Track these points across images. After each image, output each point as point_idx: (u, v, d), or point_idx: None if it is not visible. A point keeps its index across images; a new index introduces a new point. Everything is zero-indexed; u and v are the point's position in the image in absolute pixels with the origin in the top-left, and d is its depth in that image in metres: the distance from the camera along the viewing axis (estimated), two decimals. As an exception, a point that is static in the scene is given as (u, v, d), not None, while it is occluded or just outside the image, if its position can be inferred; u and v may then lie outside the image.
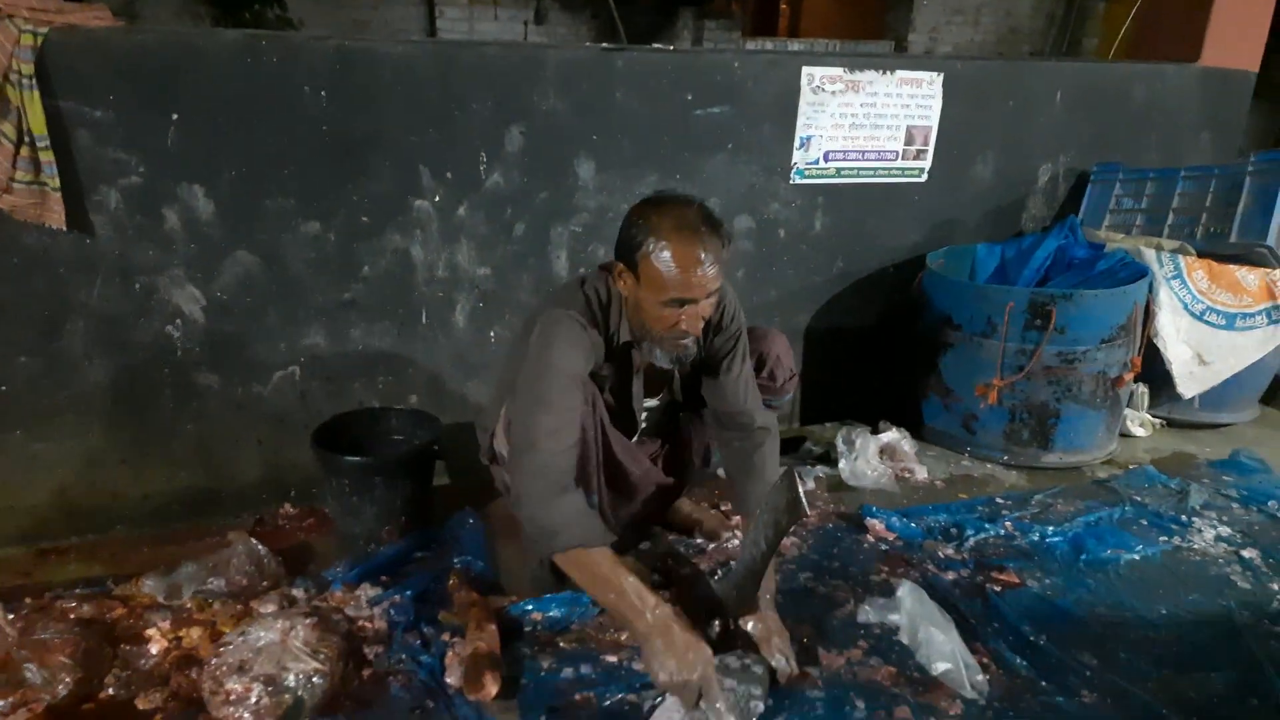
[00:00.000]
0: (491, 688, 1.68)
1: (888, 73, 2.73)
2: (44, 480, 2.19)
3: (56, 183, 1.98)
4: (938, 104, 2.83)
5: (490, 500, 2.36)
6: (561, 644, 1.85)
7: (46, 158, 1.96)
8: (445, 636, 1.83)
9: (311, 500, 2.39)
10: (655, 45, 2.53)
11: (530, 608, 1.92)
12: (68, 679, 1.67)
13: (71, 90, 1.96)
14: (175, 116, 2.06)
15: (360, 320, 2.37)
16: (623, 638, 1.86)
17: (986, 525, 2.35)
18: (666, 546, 2.23)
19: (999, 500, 2.51)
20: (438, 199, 2.35)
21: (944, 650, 1.79)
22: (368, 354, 2.40)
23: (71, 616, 1.84)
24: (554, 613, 1.91)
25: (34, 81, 1.91)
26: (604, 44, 2.48)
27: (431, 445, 2.19)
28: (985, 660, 1.81)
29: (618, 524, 2.00)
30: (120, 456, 2.25)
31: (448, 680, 1.72)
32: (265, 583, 1.98)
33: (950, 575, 2.12)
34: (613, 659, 1.80)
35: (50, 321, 2.10)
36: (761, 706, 1.62)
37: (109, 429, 2.22)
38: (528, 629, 1.89)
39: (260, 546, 2.02)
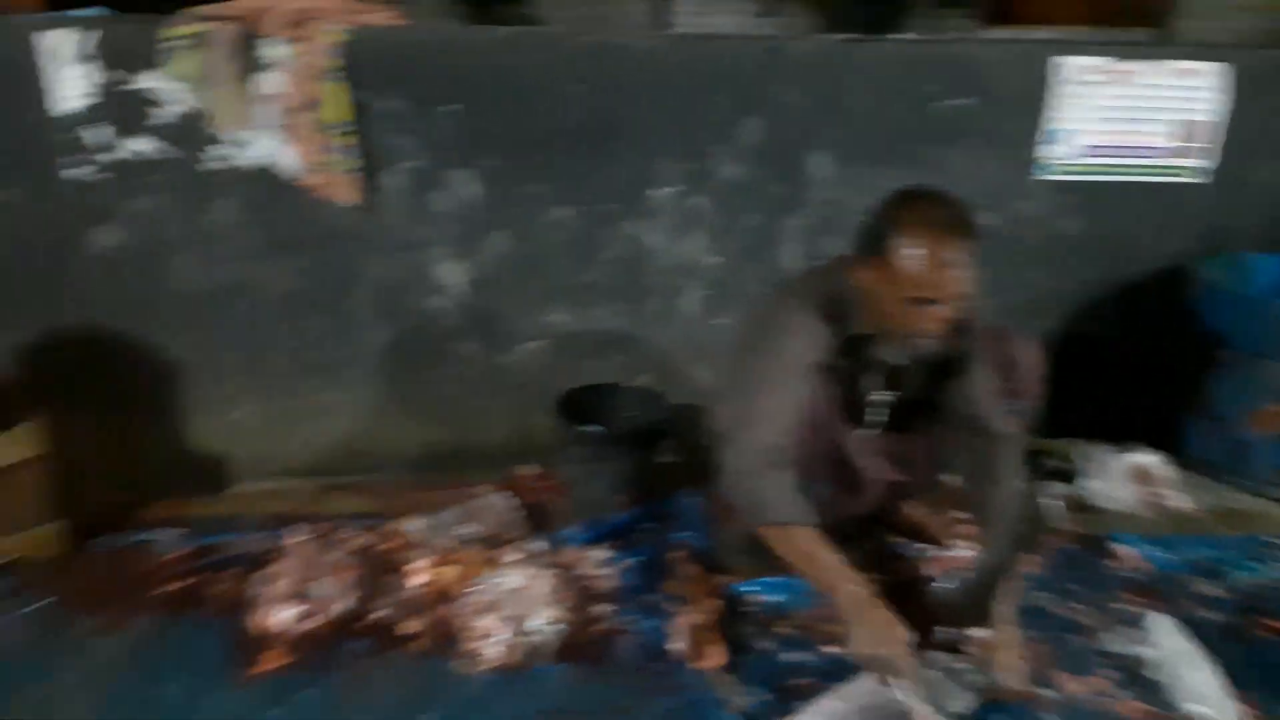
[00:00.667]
0: (714, 659, 1.75)
1: (1157, 63, 2.52)
2: (330, 425, 2.51)
3: (354, 165, 2.26)
4: (1219, 98, 2.57)
5: (714, 480, 2.43)
6: (782, 629, 1.89)
7: (348, 142, 2.24)
8: (669, 605, 1.93)
9: (550, 464, 2.57)
10: (894, 35, 2.48)
11: (752, 589, 1.97)
12: (349, 597, 1.92)
13: (370, 82, 2.22)
14: (453, 107, 2.28)
15: (599, 301, 2.52)
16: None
17: (1255, 565, 2.13)
18: (890, 548, 2.21)
19: (1272, 540, 2.27)
20: (673, 189, 2.44)
21: (1202, 692, 1.66)
22: (604, 333, 2.55)
23: (351, 545, 2.10)
24: (775, 597, 1.95)
25: (340, 74, 2.18)
26: (842, 35, 2.47)
27: (664, 422, 2.29)
28: (1252, 710, 1.66)
29: (839, 518, 2.00)
30: (391, 410, 2.53)
31: (672, 646, 1.81)
32: (512, 534, 2.17)
33: (1209, 614, 1.95)
34: (834, 650, 1.81)
35: (340, 287, 2.40)
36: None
37: (384, 385, 2.50)
38: (748, 610, 1.95)
39: (509, 501, 2.22)
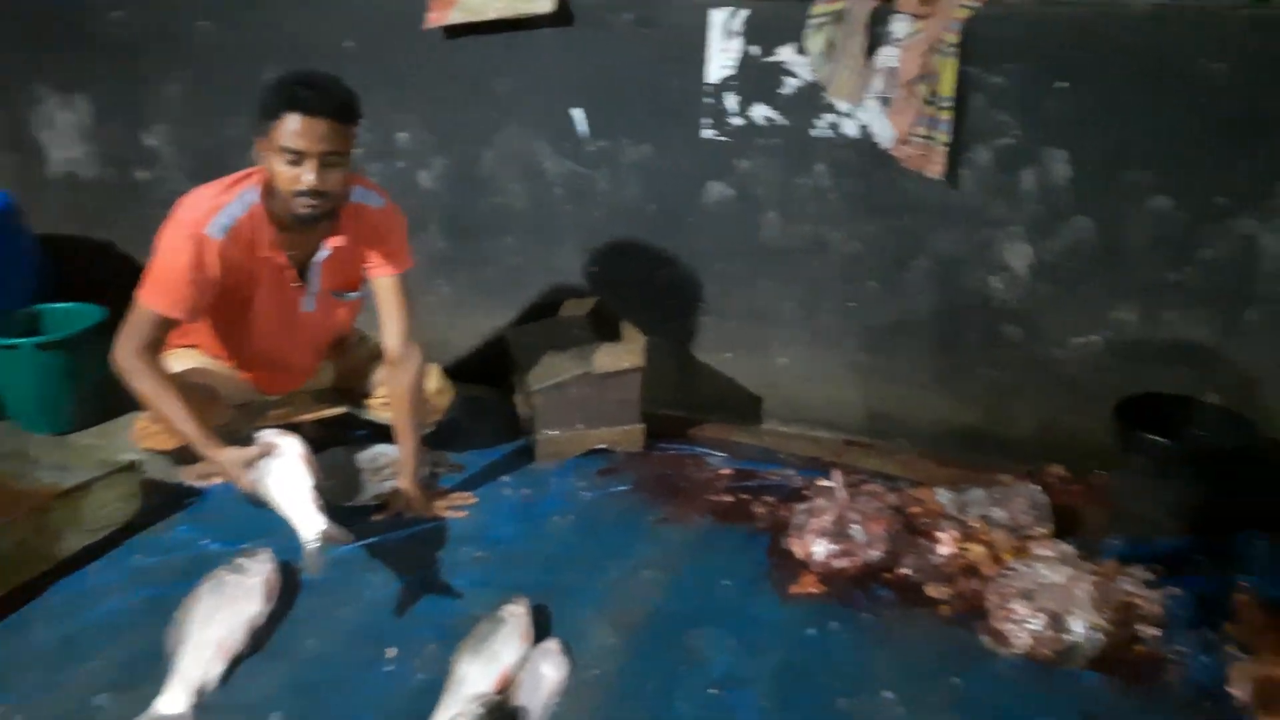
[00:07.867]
0: (1287, 720, 1.69)
1: None
2: (856, 383, 2.81)
3: (946, 139, 2.45)
4: None
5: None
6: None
7: (945, 116, 2.44)
8: (1229, 648, 1.89)
9: (1077, 467, 2.59)
10: None
11: (1342, 661, 1.84)
12: (880, 547, 2.19)
13: (981, 58, 2.39)
14: (1063, 85, 2.35)
15: (1181, 304, 2.44)
16: None
17: None
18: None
19: None
20: (1319, 186, 2.25)
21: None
22: (1176, 340, 2.47)
23: (882, 500, 2.37)
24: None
25: (956, 49, 2.38)
26: None
27: (1247, 449, 2.18)
28: None
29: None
30: (920, 380, 2.75)
31: (1231, 691, 1.78)
32: (1040, 529, 2.26)
33: None
34: None
35: (902, 254, 2.64)
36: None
37: (918, 355, 2.73)
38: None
39: (1041, 495, 2.31)
